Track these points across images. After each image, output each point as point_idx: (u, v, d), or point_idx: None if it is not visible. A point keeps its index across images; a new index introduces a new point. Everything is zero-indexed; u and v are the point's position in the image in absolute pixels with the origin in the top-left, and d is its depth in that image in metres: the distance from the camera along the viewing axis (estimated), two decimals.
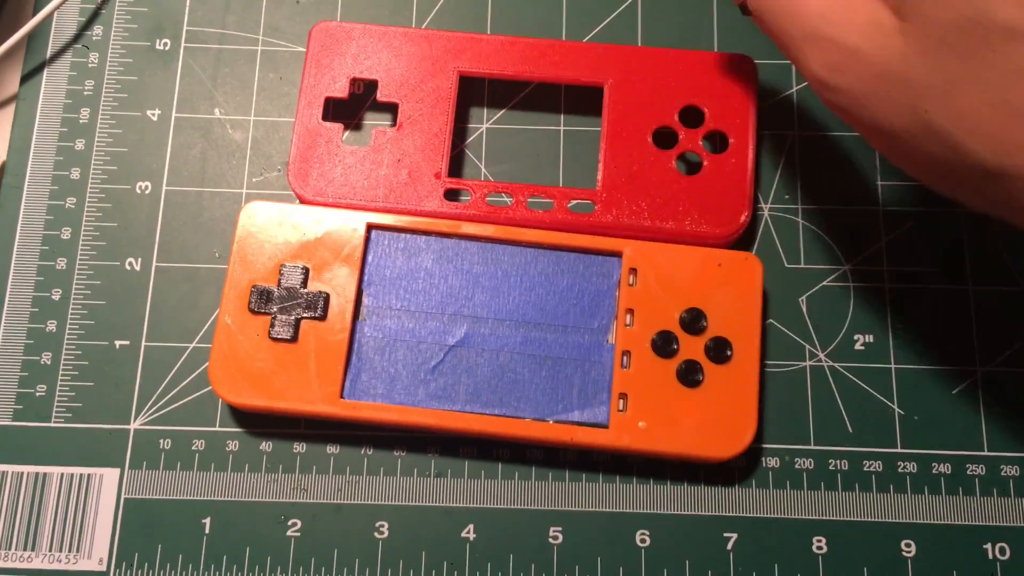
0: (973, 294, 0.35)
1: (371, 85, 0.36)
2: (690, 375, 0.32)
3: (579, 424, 0.32)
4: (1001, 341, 0.35)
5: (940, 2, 0.23)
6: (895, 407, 0.34)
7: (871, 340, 0.35)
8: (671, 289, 0.33)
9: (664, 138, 0.35)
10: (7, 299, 0.35)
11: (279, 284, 0.33)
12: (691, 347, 0.33)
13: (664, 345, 0.33)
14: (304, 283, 0.33)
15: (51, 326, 0.35)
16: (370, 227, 0.34)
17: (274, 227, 0.34)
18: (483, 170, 0.37)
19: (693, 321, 0.33)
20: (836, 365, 0.35)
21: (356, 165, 0.35)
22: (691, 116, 0.36)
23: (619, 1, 0.39)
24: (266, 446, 0.34)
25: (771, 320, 0.35)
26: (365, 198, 0.35)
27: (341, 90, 0.36)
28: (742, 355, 0.33)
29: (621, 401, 0.32)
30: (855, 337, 0.35)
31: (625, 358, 0.33)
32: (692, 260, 0.33)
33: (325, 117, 0.35)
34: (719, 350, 0.32)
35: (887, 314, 0.35)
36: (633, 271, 0.33)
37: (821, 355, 0.35)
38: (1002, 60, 0.22)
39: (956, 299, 0.35)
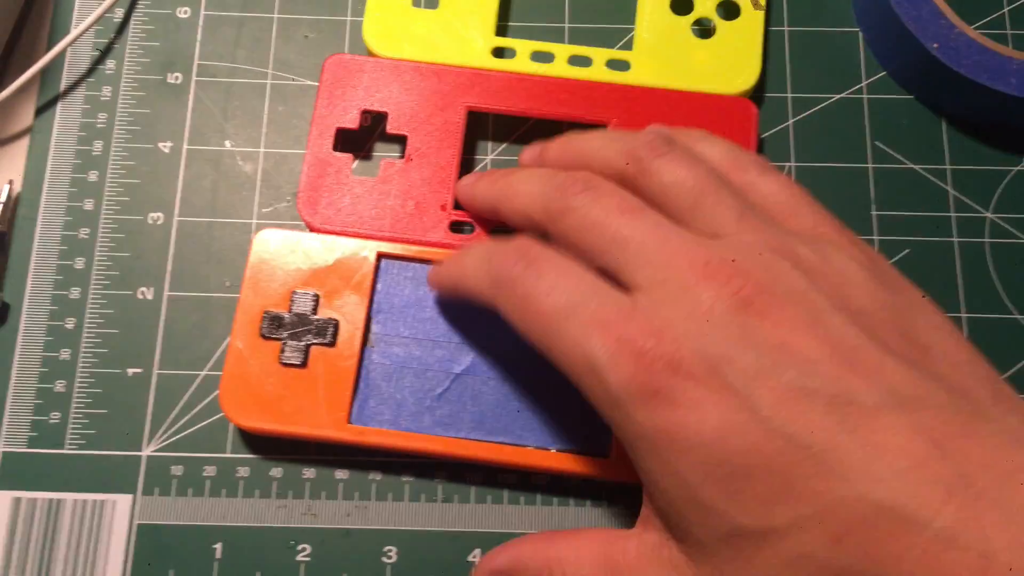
0: (967, 322, 0.36)
1: (380, 117, 0.37)
2: None
3: (581, 453, 0.33)
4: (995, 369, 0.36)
5: (705, 526, 0.25)
6: None
7: None
8: None
9: None
10: (22, 328, 0.36)
11: (290, 310, 0.34)
12: None
13: None
14: (314, 310, 0.34)
15: (65, 354, 0.35)
16: (380, 256, 0.35)
17: (287, 254, 0.34)
18: None
19: None
20: None
21: (364, 195, 0.36)
22: None
23: (620, 35, 0.40)
24: (276, 472, 0.34)
25: None
26: (371, 227, 0.35)
27: (352, 121, 0.36)
28: None
29: None
30: None
31: None
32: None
33: (335, 147, 0.36)
34: None
35: None
36: None
37: None
38: (768, 556, 0.24)
39: None
